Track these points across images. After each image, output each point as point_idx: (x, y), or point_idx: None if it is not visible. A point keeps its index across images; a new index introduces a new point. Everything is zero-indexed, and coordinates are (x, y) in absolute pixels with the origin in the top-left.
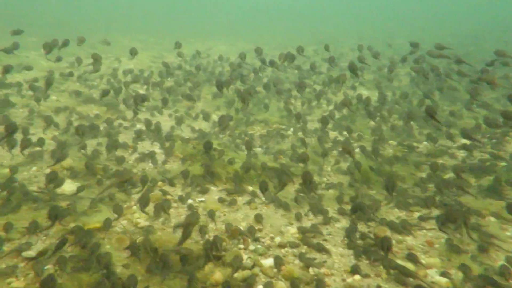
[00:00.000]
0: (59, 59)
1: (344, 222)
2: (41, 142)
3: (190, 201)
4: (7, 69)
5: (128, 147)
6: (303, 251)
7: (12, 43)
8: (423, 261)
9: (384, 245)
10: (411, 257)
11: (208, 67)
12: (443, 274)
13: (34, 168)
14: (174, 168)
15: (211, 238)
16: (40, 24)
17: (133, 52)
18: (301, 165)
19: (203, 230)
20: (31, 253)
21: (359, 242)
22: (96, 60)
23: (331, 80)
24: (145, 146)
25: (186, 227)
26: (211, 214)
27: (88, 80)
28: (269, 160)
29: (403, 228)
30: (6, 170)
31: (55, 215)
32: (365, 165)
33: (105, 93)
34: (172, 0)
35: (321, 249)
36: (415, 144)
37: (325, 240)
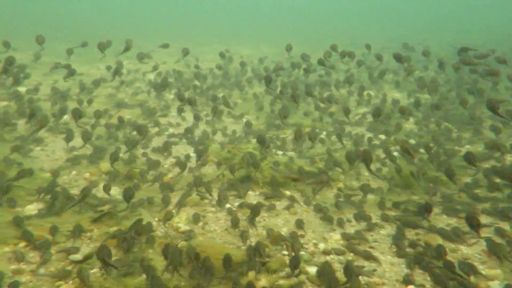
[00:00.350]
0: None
1: (389, 229)
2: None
3: (228, 205)
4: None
5: (163, 151)
6: (350, 258)
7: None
8: (483, 272)
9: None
10: (470, 268)
11: (236, 71)
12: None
13: (73, 172)
14: (209, 172)
15: (252, 244)
16: (65, 30)
17: (185, 52)
18: (339, 169)
19: (244, 236)
20: (78, 256)
21: (409, 250)
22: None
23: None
24: (179, 150)
25: None
26: (252, 219)
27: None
28: (305, 164)
29: (456, 236)
30: (47, 174)
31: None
32: (406, 169)
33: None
34: (183, 3)
35: (369, 256)
36: (456, 148)
37: (372, 247)
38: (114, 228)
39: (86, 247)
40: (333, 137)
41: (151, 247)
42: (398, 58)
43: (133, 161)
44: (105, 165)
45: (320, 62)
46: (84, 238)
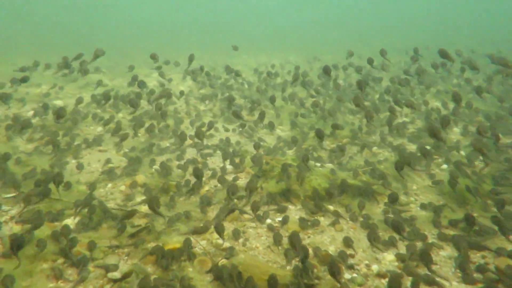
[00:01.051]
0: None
1: (449, 250)
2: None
3: (269, 220)
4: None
5: (197, 163)
6: (409, 284)
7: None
8: None
9: None
10: None
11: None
12: None
13: (109, 185)
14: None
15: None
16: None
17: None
18: (382, 182)
19: (289, 254)
20: (117, 274)
21: (477, 275)
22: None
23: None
24: (214, 162)
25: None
26: (296, 238)
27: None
28: (348, 176)
29: None
30: (83, 187)
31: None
32: (462, 183)
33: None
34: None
35: (432, 282)
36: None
37: (433, 271)
38: (152, 244)
39: (124, 264)
40: (375, 148)
41: (190, 265)
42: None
43: (169, 174)
44: (140, 177)
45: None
46: (122, 254)
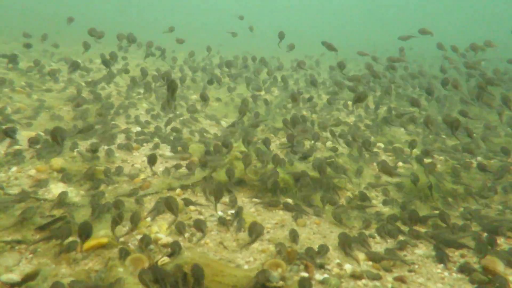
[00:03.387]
0: None
1: (424, 248)
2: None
3: (220, 213)
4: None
5: (132, 148)
6: (390, 285)
7: None
8: None
9: None
10: None
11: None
12: None
13: (13, 169)
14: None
15: (262, 263)
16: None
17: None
18: (344, 176)
19: (245, 250)
20: (13, 276)
21: (460, 275)
22: None
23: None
24: (147, 148)
25: None
26: (258, 231)
27: None
28: (307, 168)
29: None
30: None
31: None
32: (423, 179)
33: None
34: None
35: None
36: (467, 160)
37: (412, 271)
38: (70, 239)
39: (27, 264)
40: (329, 143)
41: (121, 264)
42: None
43: (95, 158)
44: (58, 161)
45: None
46: (25, 252)
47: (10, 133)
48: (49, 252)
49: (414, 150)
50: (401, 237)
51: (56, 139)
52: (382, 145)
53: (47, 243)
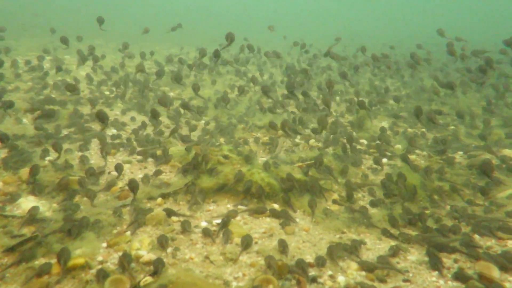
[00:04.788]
0: None
1: (416, 254)
2: None
3: (204, 223)
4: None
5: (108, 155)
6: None
7: None
8: None
9: None
10: None
11: None
12: None
13: None
14: (174, 181)
15: (252, 279)
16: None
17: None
18: (331, 177)
19: (234, 265)
20: None
21: (457, 284)
22: None
23: None
24: (124, 154)
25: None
26: (247, 243)
27: None
28: (292, 170)
29: None
30: None
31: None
32: (411, 178)
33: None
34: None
35: None
36: (450, 155)
37: (408, 280)
38: (42, 261)
39: None
40: (312, 141)
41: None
42: None
43: (69, 167)
44: (27, 171)
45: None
46: None
47: None
48: (19, 277)
49: (398, 146)
50: (392, 242)
51: None
52: (365, 141)
53: (16, 267)
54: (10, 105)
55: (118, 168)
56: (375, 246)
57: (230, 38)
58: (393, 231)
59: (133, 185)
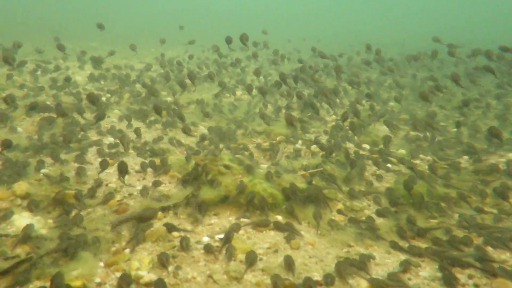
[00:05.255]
0: None
1: (428, 268)
2: None
3: (206, 239)
4: None
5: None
6: None
7: None
8: None
9: None
10: None
11: None
12: None
13: None
14: (174, 193)
15: None
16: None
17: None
18: (335, 186)
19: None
20: None
21: None
22: None
23: None
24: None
25: None
26: (251, 260)
27: None
28: (295, 179)
29: None
30: None
31: None
32: (419, 185)
33: None
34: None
35: None
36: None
37: None
38: (37, 284)
39: None
40: (314, 147)
41: None
42: None
43: (65, 180)
44: (22, 185)
45: None
46: None
47: None
48: None
49: (402, 151)
50: (401, 256)
51: None
52: (367, 146)
53: None
54: (33, 107)
55: (121, 168)
56: (384, 261)
57: (244, 38)
58: (402, 243)
59: (121, 168)
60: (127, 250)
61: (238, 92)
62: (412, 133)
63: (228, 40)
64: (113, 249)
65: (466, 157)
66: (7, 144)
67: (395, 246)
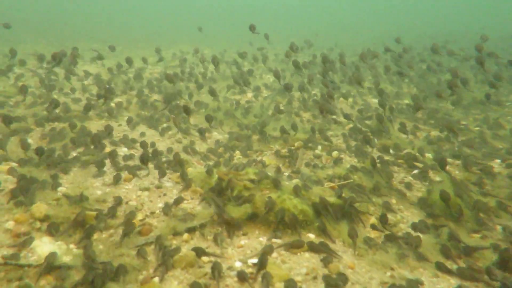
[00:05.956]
0: None
1: None
2: None
3: (238, 264)
4: None
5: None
6: None
7: None
8: None
9: None
10: None
11: None
12: None
13: None
14: (199, 211)
15: None
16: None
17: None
18: (366, 197)
19: None
20: None
21: None
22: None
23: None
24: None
25: None
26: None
27: None
28: (323, 192)
29: None
30: None
31: None
32: (454, 196)
33: None
34: None
35: None
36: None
37: None
38: None
39: None
40: (335, 152)
41: None
42: None
43: (84, 199)
44: (40, 206)
45: None
46: None
47: None
48: None
49: (428, 156)
50: (451, 279)
51: None
52: (390, 151)
53: None
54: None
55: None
56: (434, 286)
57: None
58: (448, 263)
59: (144, 157)
60: (156, 279)
61: (249, 94)
62: (433, 133)
63: (252, 27)
64: (141, 277)
65: (498, 161)
66: (41, 151)
67: (442, 268)
